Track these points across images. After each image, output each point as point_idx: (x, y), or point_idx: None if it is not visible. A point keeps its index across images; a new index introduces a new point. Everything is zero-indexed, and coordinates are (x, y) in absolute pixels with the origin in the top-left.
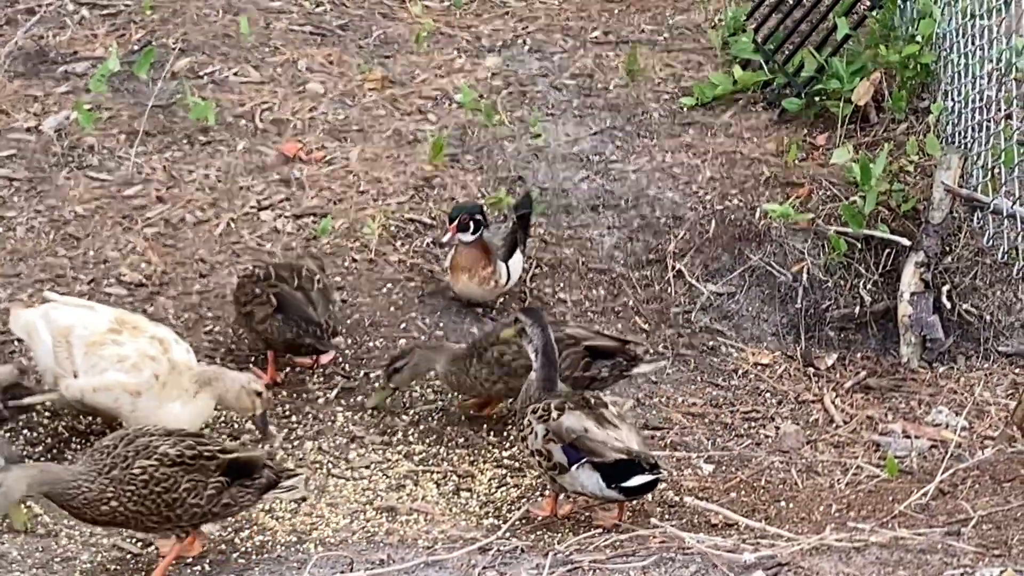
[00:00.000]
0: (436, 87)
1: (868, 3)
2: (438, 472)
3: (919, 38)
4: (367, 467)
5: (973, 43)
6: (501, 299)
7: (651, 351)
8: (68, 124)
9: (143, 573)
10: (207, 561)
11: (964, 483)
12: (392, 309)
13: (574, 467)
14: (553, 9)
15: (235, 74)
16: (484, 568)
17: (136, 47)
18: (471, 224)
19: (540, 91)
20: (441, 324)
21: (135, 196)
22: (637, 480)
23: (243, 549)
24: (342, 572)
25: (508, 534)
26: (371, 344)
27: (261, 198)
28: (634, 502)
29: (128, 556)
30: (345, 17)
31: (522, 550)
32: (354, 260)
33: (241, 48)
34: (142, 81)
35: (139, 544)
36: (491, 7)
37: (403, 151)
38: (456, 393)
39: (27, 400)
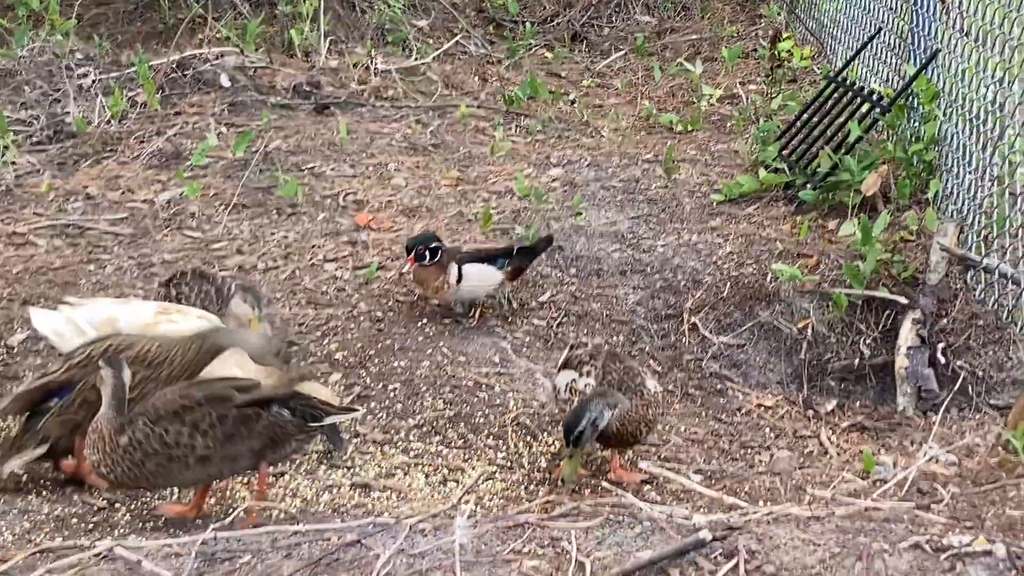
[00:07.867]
0: (503, 185)
1: (879, 110)
2: (431, 466)
3: (924, 138)
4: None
5: (969, 143)
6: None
7: None
8: (178, 197)
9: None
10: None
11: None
12: (421, 339)
13: None
14: (617, 142)
15: (332, 169)
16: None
17: (253, 149)
18: (427, 253)
19: (591, 190)
20: (465, 350)
21: (220, 249)
22: None
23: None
24: None
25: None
26: (395, 364)
27: (329, 254)
28: None
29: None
30: (439, 140)
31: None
32: (398, 301)
33: (342, 153)
34: (250, 170)
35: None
36: (565, 140)
37: (461, 225)
38: None
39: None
